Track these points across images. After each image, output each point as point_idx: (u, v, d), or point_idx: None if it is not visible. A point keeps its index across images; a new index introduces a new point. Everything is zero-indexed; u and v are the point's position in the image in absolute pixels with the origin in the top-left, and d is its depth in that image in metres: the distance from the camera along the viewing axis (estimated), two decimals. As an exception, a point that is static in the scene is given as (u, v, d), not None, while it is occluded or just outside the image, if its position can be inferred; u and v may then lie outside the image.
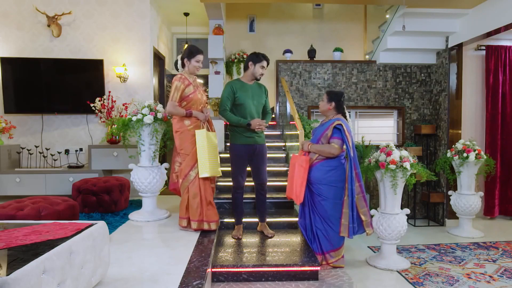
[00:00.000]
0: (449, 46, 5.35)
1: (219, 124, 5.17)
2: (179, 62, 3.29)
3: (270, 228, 3.56)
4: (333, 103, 3.25)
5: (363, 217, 3.11)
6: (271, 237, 3.42)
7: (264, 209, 3.51)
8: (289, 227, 3.72)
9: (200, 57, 3.26)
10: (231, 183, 3.40)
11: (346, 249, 4.22)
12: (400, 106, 5.81)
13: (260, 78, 3.31)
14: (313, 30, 7.12)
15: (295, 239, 3.40)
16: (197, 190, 3.20)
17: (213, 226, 3.25)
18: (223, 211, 3.99)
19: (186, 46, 7.09)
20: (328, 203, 3.16)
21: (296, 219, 3.70)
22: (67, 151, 5.17)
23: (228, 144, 3.62)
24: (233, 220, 3.57)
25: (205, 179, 3.22)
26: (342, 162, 3.21)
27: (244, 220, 3.60)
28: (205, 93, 3.45)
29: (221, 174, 3.42)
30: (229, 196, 3.95)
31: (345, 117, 3.28)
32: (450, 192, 4.91)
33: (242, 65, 6.82)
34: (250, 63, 3.26)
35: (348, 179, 3.10)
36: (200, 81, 8.13)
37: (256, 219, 3.62)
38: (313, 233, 3.24)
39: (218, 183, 4.30)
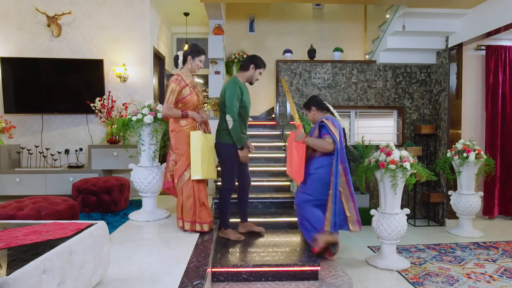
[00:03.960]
0: (449, 46, 5.35)
1: (219, 124, 5.16)
2: (181, 58, 3.24)
3: (271, 228, 3.56)
4: (313, 108, 3.32)
5: (348, 213, 3.09)
6: (263, 235, 3.41)
7: (247, 207, 3.53)
8: (289, 227, 3.72)
9: (203, 57, 3.26)
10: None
11: (346, 249, 4.23)
12: (400, 106, 5.81)
13: (254, 83, 3.33)
14: (313, 30, 7.12)
15: (295, 239, 3.40)
16: (191, 191, 3.17)
17: (206, 228, 3.20)
18: (223, 211, 3.98)
19: (186, 45, 7.09)
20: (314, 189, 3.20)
21: (297, 219, 3.71)
22: (67, 151, 5.17)
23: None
24: (233, 220, 3.56)
25: (199, 180, 3.19)
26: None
27: (251, 220, 3.59)
28: (202, 93, 3.42)
29: (216, 177, 3.40)
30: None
31: (332, 113, 3.33)
32: (450, 192, 4.91)
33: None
34: (252, 66, 3.21)
35: (333, 172, 3.09)
36: (200, 81, 8.13)
37: (256, 219, 3.63)
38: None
39: (218, 183, 4.30)
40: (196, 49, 3.22)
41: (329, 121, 3.15)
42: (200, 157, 3.11)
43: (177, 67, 3.30)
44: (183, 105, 3.18)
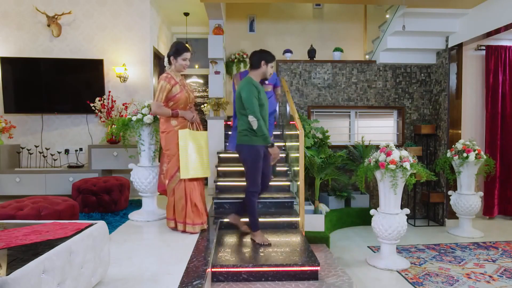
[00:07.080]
0: (449, 46, 5.35)
1: (219, 124, 5.16)
2: (166, 59, 3.24)
3: (270, 228, 3.56)
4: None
5: None
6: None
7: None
8: (289, 227, 3.72)
9: (187, 55, 3.18)
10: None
11: (346, 249, 4.23)
12: (400, 106, 5.80)
13: (268, 78, 3.23)
14: (313, 30, 7.12)
15: (295, 239, 3.40)
16: (183, 192, 3.15)
17: (197, 229, 3.18)
18: (223, 211, 3.98)
19: (186, 44, 7.08)
20: None
21: (297, 218, 3.72)
22: (67, 151, 5.17)
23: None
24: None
25: (192, 180, 3.17)
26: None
27: (243, 220, 3.60)
28: (192, 92, 3.40)
29: (209, 175, 3.37)
30: (229, 196, 3.98)
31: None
32: (450, 192, 4.91)
33: (242, 65, 6.80)
34: (263, 62, 3.13)
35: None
36: (200, 81, 8.13)
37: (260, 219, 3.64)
38: None
39: (218, 183, 4.30)
40: (177, 48, 3.16)
41: (237, 78, 3.36)
42: (189, 156, 3.09)
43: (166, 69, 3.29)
44: (174, 103, 3.16)
